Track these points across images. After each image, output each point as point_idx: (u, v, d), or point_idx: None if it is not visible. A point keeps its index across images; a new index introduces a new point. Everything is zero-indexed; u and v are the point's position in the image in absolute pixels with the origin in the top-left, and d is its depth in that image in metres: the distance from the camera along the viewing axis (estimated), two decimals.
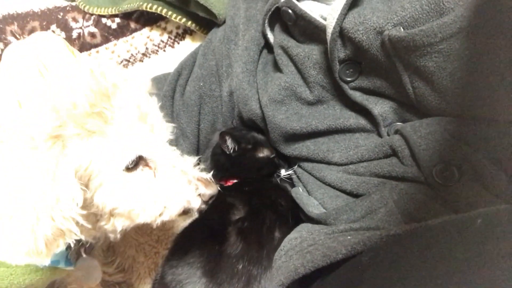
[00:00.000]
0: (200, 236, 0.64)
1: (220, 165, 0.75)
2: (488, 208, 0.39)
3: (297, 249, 0.52)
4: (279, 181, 0.75)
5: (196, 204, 0.53)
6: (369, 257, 0.42)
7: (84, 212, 0.44)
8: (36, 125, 0.42)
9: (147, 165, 0.51)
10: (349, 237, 0.46)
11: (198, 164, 0.56)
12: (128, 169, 0.48)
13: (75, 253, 0.58)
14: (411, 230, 0.41)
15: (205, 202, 0.55)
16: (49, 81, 0.46)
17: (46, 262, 0.52)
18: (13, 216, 0.41)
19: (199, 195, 0.53)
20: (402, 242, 0.41)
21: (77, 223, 0.43)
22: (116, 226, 0.51)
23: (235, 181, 0.75)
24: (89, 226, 0.46)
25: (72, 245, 0.51)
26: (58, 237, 0.43)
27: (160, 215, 0.52)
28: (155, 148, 0.50)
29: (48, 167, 0.41)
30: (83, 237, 0.46)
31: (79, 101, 0.44)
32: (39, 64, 0.50)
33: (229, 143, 0.72)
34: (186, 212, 0.54)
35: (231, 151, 0.73)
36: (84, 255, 0.59)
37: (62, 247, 0.44)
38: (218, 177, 0.75)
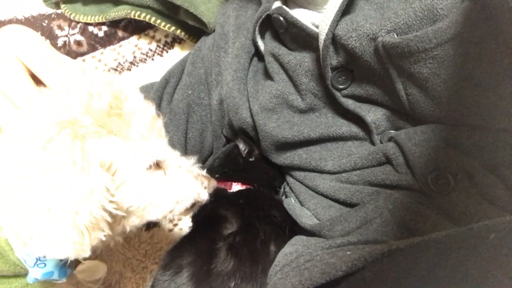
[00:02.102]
0: (190, 254, 0.62)
1: (234, 166, 0.75)
2: (497, 220, 0.38)
3: (293, 265, 0.50)
4: (284, 194, 0.73)
5: (205, 196, 0.58)
6: (372, 273, 0.40)
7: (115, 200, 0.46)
8: (54, 114, 0.44)
9: (158, 165, 0.54)
10: (348, 253, 0.44)
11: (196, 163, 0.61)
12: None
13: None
14: (414, 244, 0.40)
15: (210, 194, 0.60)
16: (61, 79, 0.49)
17: (38, 275, 0.51)
18: (51, 210, 0.41)
19: (205, 188, 0.59)
20: (407, 257, 0.39)
21: (110, 213, 0.45)
22: (125, 226, 0.53)
23: (239, 187, 0.74)
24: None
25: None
26: (96, 229, 0.44)
27: (170, 211, 0.56)
28: (165, 151, 0.55)
29: (75, 159, 0.42)
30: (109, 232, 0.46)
31: (96, 99, 0.46)
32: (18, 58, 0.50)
33: (241, 146, 0.71)
34: (193, 205, 0.59)
35: (245, 154, 0.72)
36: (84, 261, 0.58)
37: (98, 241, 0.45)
38: (224, 178, 0.75)
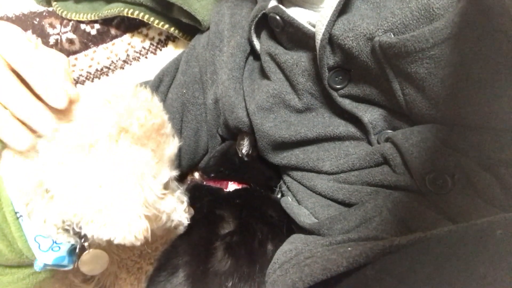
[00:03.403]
0: (186, 254, 0.61)
1: (230, 165, 0.75)
2: (501, 217, 0.38)
3: (293, 262, 0.50)
4: (280, 193, 0.73)
5: (186, 222, 0.62)
6: (375, 271, 0.40)
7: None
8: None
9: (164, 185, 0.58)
10: (349, 249, 0.44)
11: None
12: None
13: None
14: (417, 240, 0.40)
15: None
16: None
17: (50, 259, 0.54)
18: (121, 199, 0.48)
19: (186, 212, 0.62)
20: (411, 253, 0.39)
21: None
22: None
23: (235, 186, 0.73)
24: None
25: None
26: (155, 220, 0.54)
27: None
28: (173, 172, 0.60)
29: (146, 159, 0.51)
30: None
31: (153, 117, 0.53)
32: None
33: (246, 145, 0.71)
34: (175, 227, 0.63)
35: (244, 154, 0.72)
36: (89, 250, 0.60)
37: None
38: (220, 177, 0.74)
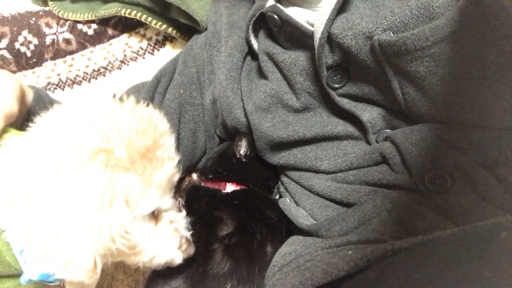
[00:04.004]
0: None
1: (228, 166, 0.74)
2: (504, 219, 0.37)
3: (293, 266, 0.49)
4: (278, 195, 0.73)
5: (178, 261, 0.55)
6: (377, 273, 0.39)
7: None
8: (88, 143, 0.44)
9: (153, 215, 0.53)
10: (350, 252, 0.43)
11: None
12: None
13: None
14: (418, 243, 0.39)
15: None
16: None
17: (35, 275, 0.50)
18: (72, 234, 0.42)
19: (182, 252, 0.56)
20: (413, 256, 0.39)
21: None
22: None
23: (233, 187, 0.73)
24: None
25: None
26: (108, 258, 0.46)
27: (144, 262, 0.54)
28: (168, 203, 0.54)
29: (104, 190, 0.44)
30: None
31: (140, 139, 0.47)
32: None
33: (244, 146, 0.70)
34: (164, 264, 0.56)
35: (242, 155, 0.71)
36: None
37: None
38: (218, 178, 0.73)
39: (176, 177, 0.55)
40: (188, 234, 0.57)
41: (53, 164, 0.44)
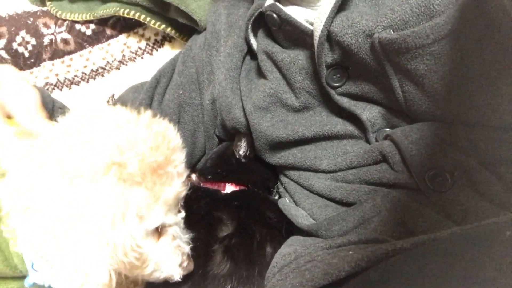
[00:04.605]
0: None
1: (227, 166, 0.73)
2: (508, 218, 0.37)
3: (293, 266, 0.49)
4: (278, 194, 0.72)
5: (177, 278, 0.55)
6: (378, 274, 0.39)
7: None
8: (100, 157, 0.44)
9: (157, 230, 0.53)
10: (350, 252, 0.43)
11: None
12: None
13: None
14: (420, 243, 0.39)
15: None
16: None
17: (39, 280, 0.51)
18: (85, 249, 0.43)
19: (183, 268, 0.56)
20: (415, 256, 0.38)
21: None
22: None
23: (232, 188, 0.72)
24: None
25: None
26: (122, 270, 0.47)
27: (143, 275, 0.54)
28: (172, 219, 0.54)
29: (117, 206, 0.44)
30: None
31: (153, 155, 0.47)
32: None
33: (243, 146, 0.70)
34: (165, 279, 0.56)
35: (242, 155, 0.71)
36: None
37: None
38: (217, 179, 0.73)
39: (183, 193, 0.55)
40: (188, 249, 0.57)
41: (68, 175, 0.44)
